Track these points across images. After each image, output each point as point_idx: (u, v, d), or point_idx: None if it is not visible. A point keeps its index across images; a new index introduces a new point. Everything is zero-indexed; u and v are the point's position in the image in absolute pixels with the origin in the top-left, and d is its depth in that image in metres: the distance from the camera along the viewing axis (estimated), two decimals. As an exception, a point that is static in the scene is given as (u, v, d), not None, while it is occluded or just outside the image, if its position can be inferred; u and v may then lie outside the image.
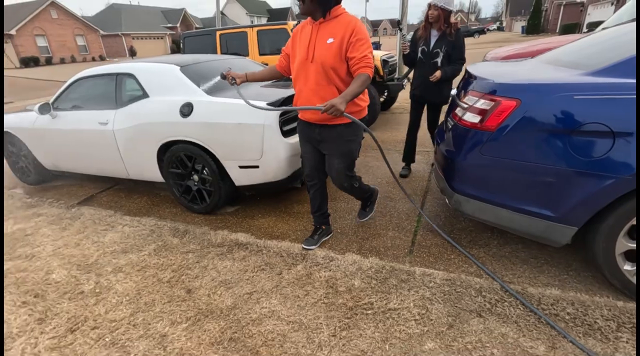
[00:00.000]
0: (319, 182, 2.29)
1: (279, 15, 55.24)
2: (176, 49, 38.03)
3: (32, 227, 3.05)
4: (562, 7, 27.64)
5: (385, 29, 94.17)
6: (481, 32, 39.25)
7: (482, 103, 1.85)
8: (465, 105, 1.98)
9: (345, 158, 2.09)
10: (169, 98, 2.86)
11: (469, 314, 1.71)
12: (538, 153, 1.70)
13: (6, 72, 21.10)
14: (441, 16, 2.92)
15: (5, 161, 4.21)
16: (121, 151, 3.16)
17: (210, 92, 2.83)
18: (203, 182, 2.96)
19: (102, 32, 29.19)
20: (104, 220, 3.07)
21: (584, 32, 16.25)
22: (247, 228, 2.78)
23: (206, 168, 2.86)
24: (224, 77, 2.21)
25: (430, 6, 2.95)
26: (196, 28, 44.06)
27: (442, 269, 2.08)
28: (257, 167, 2.67)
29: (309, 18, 1.97)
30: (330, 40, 1.87)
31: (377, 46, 18.55)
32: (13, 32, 22.85)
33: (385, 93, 5.49)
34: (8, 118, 3.93)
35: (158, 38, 37.44)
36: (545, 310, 1.69)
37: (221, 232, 2.72)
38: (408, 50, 3.21)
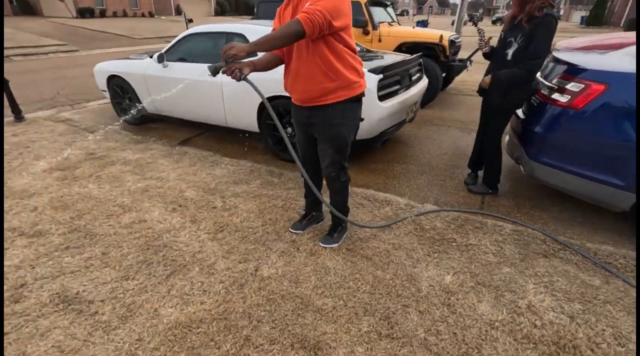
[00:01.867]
0: (312, 168, 2.15)
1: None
2: (220, 11, 38.17)
3: (149, 157, 3.66)
4: (630, 0, 25.62)
5: (431, 7, 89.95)
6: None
7: (572, 86, 2.18)
8: (554, 86, 2.32)
9: (334, 143, 1.90)
10: (277, 58, 3.29)
11: (536, 255, 2.13)
12: (616, 130, 2.04)
13: (64, 21, 22.17)
14: (515, 1, 2.33)
15: (110, 99, 4.86)
16: (225, 101, 3.67)
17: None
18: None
19: (152, -12, 29.74)
20: (207, 158, 3.64)
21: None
22: (333, 177, 3.26)
23: (302, 123, 3.33)
24: (226, 62, 1.71)
25: None
26: (240, -9, 43.77)
27: (510, 222, 2.49)
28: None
29: None
30: (308, 4, 1.57)
31: (424, 24, 18.09)
32: (72, -18, 23.80)
33: (445, 74, 5.71)
34: (117, 64, 4.52)
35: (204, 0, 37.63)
36: (600, 259, 2.09)
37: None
38: (487, 49, 2.65)
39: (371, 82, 2.92)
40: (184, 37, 3.95)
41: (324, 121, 1.86)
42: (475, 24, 2.70)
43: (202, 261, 2.06)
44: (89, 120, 5.04)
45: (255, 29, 3.50)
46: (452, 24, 11.05)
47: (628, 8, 25.40)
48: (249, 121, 3.65)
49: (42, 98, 6.42)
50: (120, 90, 4.63)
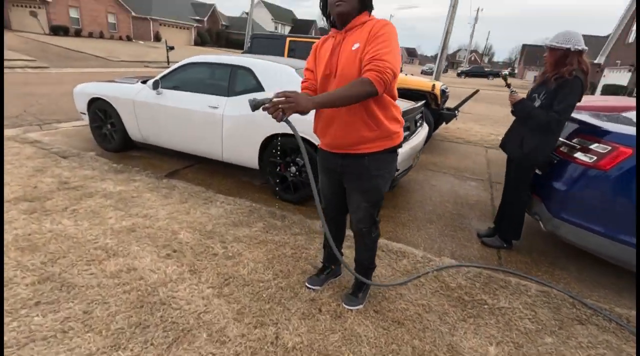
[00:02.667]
0: (337, 217, 2.01)
1: (303, 26, 56.47)
2: (200, 41, 38.60)
3: (133, 190, 3.29)
4: (577, 65, 28.87)
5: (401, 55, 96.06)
6: (495, 75, 40.52)
7: (596, 147, 2.20)
8: (576, 145, 2.33)
9: (370, 196, 1.73)
10: (287, 95, 3.17)
11: (571, 321, 2.01)
12: (644, 194, 2.04)
13: (35, 37, 21.28)
14: (549, 60, 2.36)
15: (89, 123, 4.47)
16: (224, 134, 3.44)
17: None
18: (300, 174, 3.25)
19: (133, 13, 29.60)
20: (199, 194, 3.33)
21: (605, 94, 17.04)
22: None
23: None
24: (260, 106, 1.39)
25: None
26: (222, 25, 44.82)
27: (533, 282, 2.38)
28: (361, 168, 2.97)
29: (331, 31, 1.64)
30: (356, 46, 1.47)
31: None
32: (49, -1, 23.20)
33: (434, 121, 5.87)
34: (102, 86, 4.20)
35: (184, 28, 37.99)
36: (633, 327, 1.99)
37: (317, 221, 2.99)
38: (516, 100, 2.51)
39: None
40: (183, 66, 3.75)
41: (359, 172, 1.70)
42: (509, 86, 2.73)
43: (210, 324, 1.74)
44: (60, 143, 4.58)
45: (264, 65, 3.38)
46: (421, 73, 11.68)
47: (575, 72, 28.53)
48: (249, 157, 3.43)
49: (6, 116, 5.84)
50: (103, 115, 4.28)
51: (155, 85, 3.66)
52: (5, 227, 2.44)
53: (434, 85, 5.52)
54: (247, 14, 54.06)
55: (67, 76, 11.46)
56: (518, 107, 2.45)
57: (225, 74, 3.51)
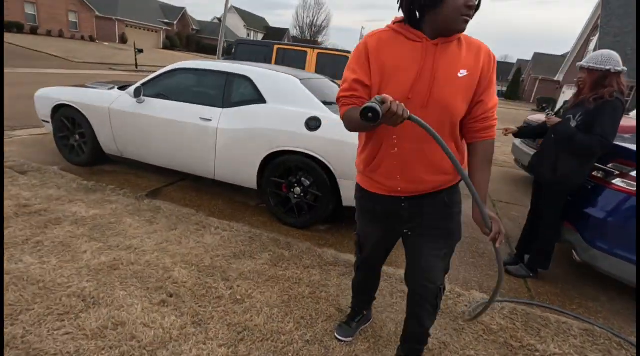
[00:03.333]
0: (378, 267, 1.75)
1: (276, 33, 56.33)
2: (169, 45, 37.26)
3: (110, 213, 2.82)
4: (537, 82, 30.85)
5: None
6: None
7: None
8: (613, 171, 2.20)
9: (451, 239, 1.40)
10: (291, 108, 2.86)
11: (627, 366, 1.83)
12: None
13: (-16, 33, 19.46)
14: (587, 81, 2.23)
15: (53, 133, 3.90)
16: (218, 150, 3.06)
17: (332, 111, 2.88)
18: (305, 195, 2.93)
19: (97, 13, 28.01)
20: (188, 218, 2.91)
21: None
22: (352, 249, 2.77)
23: (315, 184, 2.85)
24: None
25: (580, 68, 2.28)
26: (192, 29, 43.65)
27: (571, 318, 2.20)
28: (376, 191, 2.70)
29: (407, 31, 1.17)
30: (463, 73, 1.16)
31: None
32: (2, -7, 21.35)
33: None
34: (70, 92, 3.68)
35: (152, 31, 36.52)
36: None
37: (328, 250, 2.68)
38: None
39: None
40: (170, 71, 3.34)
41: (438, 213, 1.35)
42: (542, 107, 2.58)
43: (230, 403, 1.37)
44: (17, 155, 3.95)
45: (264, 74, 3.05)
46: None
47: (536, 88, 30.56)
48: (246, 176, 3.06)
49: (-52, 121, 5.06)
50: (71, 124, 3.74)
51: (137, 93, 3.21)
52: (-53, 268, 1.92)
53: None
54: (218, 19, 53.28)
55: (23, 77, 10.42)
56: (560, 129, 2.29)
57: (219, 83, 3.13)
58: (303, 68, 5.83)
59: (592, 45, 20.34)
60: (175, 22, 40.20)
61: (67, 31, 25.67)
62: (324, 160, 2.74)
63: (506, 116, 17.22)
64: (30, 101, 7.13)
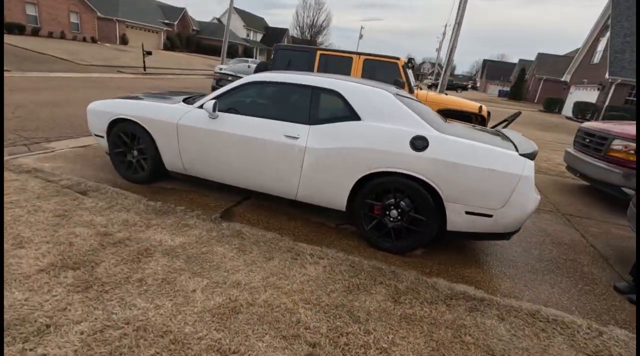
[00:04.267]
0: None
1: (276, 33, 56.01)
2: (170, 46, 36.82)
3: (196, 241, 2.60)
4: (541, 82, 30.89)
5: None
6: (464, 88, 42.30)
7: None
8: None
9: None
10: (391, 126, 2.66)
11: None
12: None
13: (-15, 34, 19.00)
14: None
15: (108, 149, 3.66)
16: (304, 170, 2.85)
17: (437, 128, 2.69)
18: (403, 218, 2.73)
19: (99, 13, 27.53)
20: (277, 244, 2.70)
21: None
22: (460, 278, 2.58)
23: (417, 207, 2.65)
24: None
25: None
26: (192, 30, 43.20)
27: None
28: (489, 215, 2.52)
29: None
30: None
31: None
32: (2, -6, 20.89)
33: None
34: (130, 105, 3.45)
35: (153, 31, 36.05)
36: None
37: (437, 279, 2.48)
38: None
39: (528, 169, 2.42)
40: (245, 85, 3.12)
41: None
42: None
43: None
44: (67, 172, 3.72)
45: (356, 88, 2.85)
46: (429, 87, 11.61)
47: (540, 88, 30.60)
48: (335, 197, 2.86)
49: (-18, 133, 4.79)
50: (130, 139, 3.50)
51: (214, 108, 2.99)
52: (61, 320, 1.70)
53: (480, 106, 5.24)
54: (218, 19, 52.81)
55: (36, 81, 10.09)
56: None
57: (304, 98, 2.93)
58: (348, 75, 5.62)
59: (601, 46, 20.37)
60: (175, 23, 39.77)
61: (68, 32, 25.21)
62: (430, 182, 2.54)
63: (525, 118, 17.08)
64: (54, 108, 6.90)
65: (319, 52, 5.74)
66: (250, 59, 22.74)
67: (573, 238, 3.52)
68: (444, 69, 10.43)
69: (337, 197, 2.85)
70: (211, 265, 2.34)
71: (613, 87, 17.92)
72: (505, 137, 2.99)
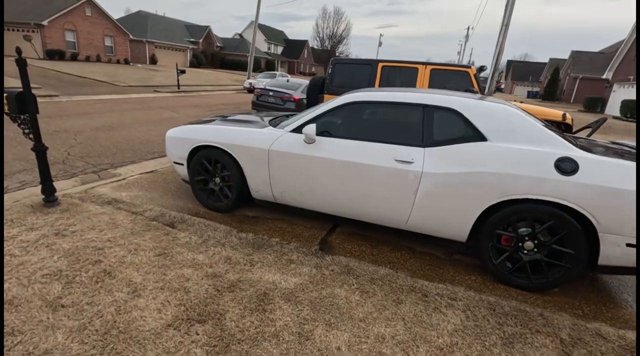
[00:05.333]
0: None
1: (296, 45, 56.74)
2: (196, 63, 37.83)
3: (312, 282, 2.35)
4: (577, 81, 29.51)
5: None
6: (498, 89, 41.14)
7: None
8: None
9: None
10: (528, 147, 2.34)
11: None
12: None
13: (30, 62, 20.03)
14: None
15: (188, 177, 3.51)
16: (418, 197, 2.57)
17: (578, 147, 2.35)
18: (540, 251, 2.39)
19: (131, 36, 28.64)
20: (397, 283, 2.41)
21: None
22: (623, 321, 2.21)
23: (563, 238, 2.30)
24: None
25: None
26: (216, 46, 44.32)
27: None
28: (658, 248, 2.14)
29: None
30: None
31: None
32: (45, 22, 21.96)
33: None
34: (212, 131, 3.29)
35: (179, 50, 37.21)
36: None
37: (598, 324, 2.12)
38: None
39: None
40: (342, 106, 2.89)
41: None
42: None
43: None
44: (147, 201, 3.59)
45: (474, 104, 2.55)
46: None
47: (576, 87, 29.20)
48: (455, 227, 2.55)
49: (51, 161, 4.80)
50: (213, 167, 3.34)
51: (313, 134, 2.76)
52: (217, 394, 1.47)
53: (564, 114, 4.82)
54: (240, 35, 54.08)
55: (85, 106, 10.37)
56: None
57: (414, 117, 2.66)
58: (414, 86, 5.34)
59: (646, 40, 19.15)
60: (200, 41, 40.91)
61: (103, 55, 26.31)
62: (583, 211, 2.19)
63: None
64: (110, 132, 6.95)
65: (380, 64, 5.49)
66: (278, 72, 22.94)
67: None
68: (490, 74, 9.98)
69: (459, 226, 2.54)
70: (340, 312, 2.07)
71: (665, 83, 16.73)
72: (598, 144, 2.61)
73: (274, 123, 3.32)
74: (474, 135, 2.48)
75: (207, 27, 42.29)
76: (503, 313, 2.18)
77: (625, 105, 18.17)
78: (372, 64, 5.56)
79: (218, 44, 44.83)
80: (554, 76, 29.43)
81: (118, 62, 27.35)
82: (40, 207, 3.16)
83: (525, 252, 2.43)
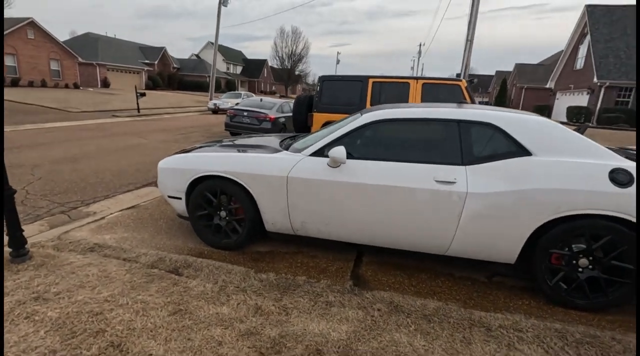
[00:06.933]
0: None
1: (255, 65, 56.65)
2: (152, 85, 36.35)
3: (362, 328, 2.03)
4: (523, 90, 31.96)
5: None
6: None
7: None
8: None
9: None
10: (577, 160, 2.24)
11: None
12: None
13: (-38, 89, 18.03)
14: None
15: (188, 212, 3.07)
16: (463, 219, 2.37)
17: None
18: (596, 266, 2.26)
19: (80, 59, 26.91)
20: (451, 316, 2.17)
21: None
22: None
23: (622, 254, 2.19)
24: None
25: None
26: (173, 67, 43.00)
27: None
28: None
29: None
30: None
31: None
32: (-21, 47, 20.07)
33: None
34: (216, 159, 2.94)
35: (134, 72, 35.61)
36: None
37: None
38: None
39: None
40: (367, 125, 2.66)
41: None
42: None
43: None
44: (138, 244, 3.10)
45: (514, 118, 2.43)
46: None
47: (522, 97, 31.63)
48: (505, 249, 2.38)
49: (10, 204, 4.09)
50: (219, 200, 2.95)
51: (340, 155, 2.49)
52: None
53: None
54: (196, 55, 53.06)
55: (36, 135, 9.33)
56: None
57: (450, 134, 2.48)
58: (406, 101, 5.27)
59: (581, 52, 21.26)
60: (156, 62, 39.51)
61: (49, 80, 24.41)
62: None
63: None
64: (74, 165, 6.20)
65: (371, 80, 5.38)
66: (243, 92, 22.52)
67: None
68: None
69: (508, 248, 2.36)
70: (411, 364, 1.78)
71: (603, 90, 18.53)
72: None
73: (285, 146, 3.02)
74: (517, 150, 2.34)
75: (162, 48, 41.04)
76: (576, 341, 2.00)
77: (571, 111, 19.82)
78: (362, 80, 5.44)
79: (175, 65, 43.57)
80: (503, 87, 31.65)
81: (67, 86, 25.51)
82: (7, 264, 2.57)
83: (581, 270, 2.29)
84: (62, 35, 29.43)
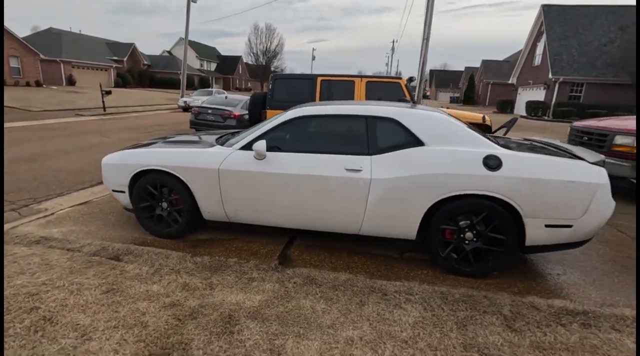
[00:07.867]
0: None
1: (230, 62, 56.02)
2: (122, 82, 35.41)
3: (276, 297, 2.35)
4: (489, 86, 33.35)
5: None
6: (424, 96, 44.55)
7: None
8: None
9: None
10: (460, 148, 2.63)
11: None
12: None
13: None
14: None
15: (132, 204, 3.30)
16: (370, 202, 2.73)
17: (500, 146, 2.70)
18: (479, 240, 2.68)
19: (42, 56, 25.91)
20: (356, 285, 2.52)
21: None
22: (550, 292, 2.54)
23: (496, 226, 2.61)
24: None
25: None
26: (143, 64, 41.95)
27: None
28: (569, 226, 2.53)
29: None
30: None
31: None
32: None
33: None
34: (154, 154, 3.18)
35: (102, 69, 34.56)
36: None
37: (531, 297, 2.42)
38: None
39: (604, 177, 2.48)
40: (293, 120, 2.97)
41: None
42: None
43: None
44: (84, 236, 3.30)
45: (411, 113, 2.81)
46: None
47: (489, 92, 33.04)
48: (404, 227, 2.76)
49: (-41, 203, 4.16)
50: (159, 191, 3.19)
51: (261, 148, 2.79)
52: None
53: (484, 116, 5.45)
54: (168, 52, 51.87)
55: (-9, 135, 9.11)
56: None
57: (358, 128, 2.83)
58: (352, 98, 5.63)
59: (539, 50, 22.41)
60: (125, 59, 38.45)
61: (9, 78, 23.42)
62: (509, 200, 2.52)
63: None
64: (30, 164, 6.23)
65: (319, 79, 5.70)
66: (214, 89, 22.40)
67: (614, 234, 3.66)
68: (418, 83, 10.86)
69: (408, 226, 2.74)
70: (308, 322, 2.11)
71: (557, 86, 19.71)
72: (554, 147, 3.07)
73: (221, 141, 3.29)
74: (413, 141, 2.72)
75: (131, 44, 39.93)
76: (454, 300, 2.39)
77: (529, 105, 20.94)
78: (311, 78, 5.76)
79: (145, 62, 42.48)
80: (471, 83, 32.94)
81: (28, 84, 24.54)
82: (-50, 256, 2.73)
83: (467, 242, 2.70)
84: (24, 31, 28.19)
